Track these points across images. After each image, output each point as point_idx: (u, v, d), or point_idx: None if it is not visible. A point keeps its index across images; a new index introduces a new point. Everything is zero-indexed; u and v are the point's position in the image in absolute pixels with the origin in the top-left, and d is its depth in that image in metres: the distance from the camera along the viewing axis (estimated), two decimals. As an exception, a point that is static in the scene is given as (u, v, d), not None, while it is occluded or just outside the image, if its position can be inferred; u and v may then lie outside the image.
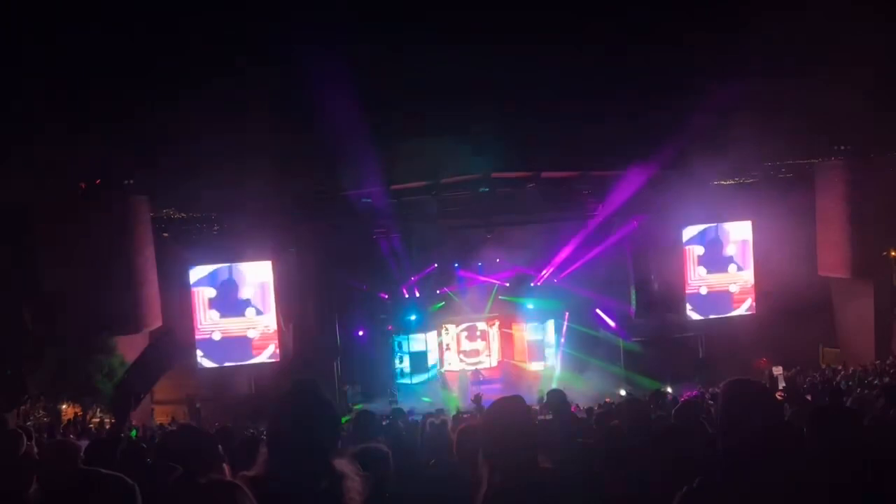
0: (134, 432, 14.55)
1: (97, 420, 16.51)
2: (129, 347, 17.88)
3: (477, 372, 22.30)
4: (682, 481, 2.49)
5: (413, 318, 22.61)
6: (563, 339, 22.40)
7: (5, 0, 13.72)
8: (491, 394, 20.12)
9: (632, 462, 4.11)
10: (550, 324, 22.66)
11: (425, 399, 20.35)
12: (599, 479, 4.02)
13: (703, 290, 22.13)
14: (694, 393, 16.80)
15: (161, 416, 18.76)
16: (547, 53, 19.32)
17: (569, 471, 3.80)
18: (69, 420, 16.04)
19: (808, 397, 11.04)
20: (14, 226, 17.07)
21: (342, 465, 2.47)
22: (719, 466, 2.46)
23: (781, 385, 15.47)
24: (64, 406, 16.69)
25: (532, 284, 22.71)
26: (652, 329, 21.27)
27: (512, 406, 2.90)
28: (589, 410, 12.27)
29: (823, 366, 19.80)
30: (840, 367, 18.12)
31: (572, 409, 13.83)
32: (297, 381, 2.59)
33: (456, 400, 19.37)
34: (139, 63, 15.39)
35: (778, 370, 18.72)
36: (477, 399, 10.35)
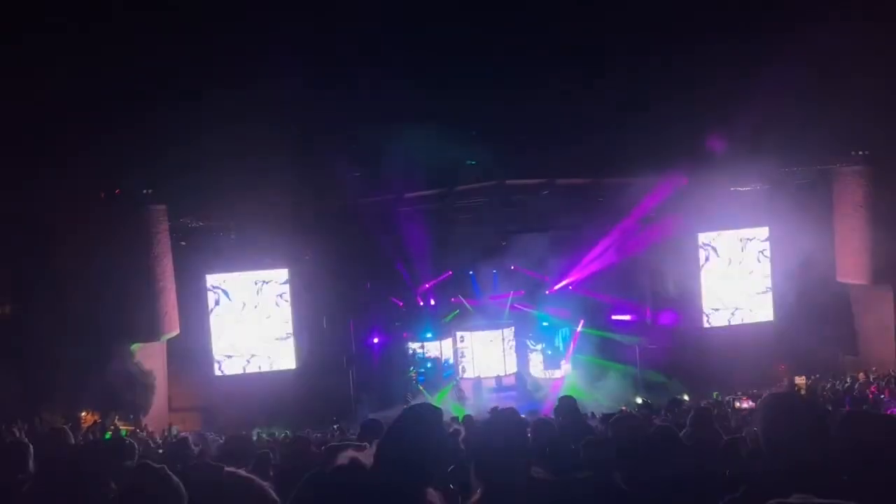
0: (124, 432, 14.71)
1: (113, 427, 16.64)
2: (148, 355, 18.11)
3: (498, 378, 22.19)
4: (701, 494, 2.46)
5: (428, 326, 22.59)
6: (572, 347, 22.30)
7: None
8: (508, 402, 20.09)
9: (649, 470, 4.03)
10: (563, 333, 22.60)
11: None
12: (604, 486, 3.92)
13: (720, 297, 21.96)
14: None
15: (177, 424, 18.87)
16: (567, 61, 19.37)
17: (570, 478, 3.77)
18: (88, 427, 16.18)
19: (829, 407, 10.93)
20: (33, 235, 17.30)
21: (433, 496, 2.49)
22: (762, 482, 2.38)
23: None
24: (83, 413, 16.85)
25: (547, 292, 22.63)
26: (669, 335, 21.13)
27: (503, 418, 2.87)
28: (604, 418, 12.19)
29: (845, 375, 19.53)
30: (860, 376, 17.88)
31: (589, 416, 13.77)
32: (410, 409, 2.66)
33: (463, 411, 19.34)
34: (159, 72, 15.59)
35: (801, 380, 18.55)
36: (494, 412, 10.29)
